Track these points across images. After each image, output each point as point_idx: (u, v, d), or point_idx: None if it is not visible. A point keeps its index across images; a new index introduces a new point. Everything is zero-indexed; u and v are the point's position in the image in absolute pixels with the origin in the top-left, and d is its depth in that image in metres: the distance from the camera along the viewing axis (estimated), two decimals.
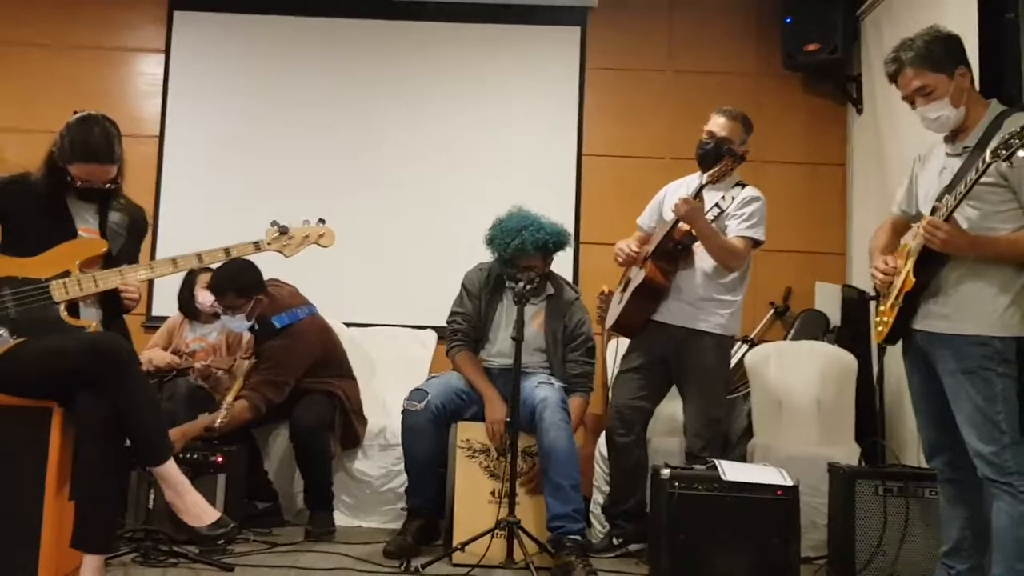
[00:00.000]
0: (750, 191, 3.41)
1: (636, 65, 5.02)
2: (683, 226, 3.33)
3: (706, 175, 3.25)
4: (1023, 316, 2.44)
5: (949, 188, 2.48)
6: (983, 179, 2.39)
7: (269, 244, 2.87)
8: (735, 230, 3.36)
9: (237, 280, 3.55)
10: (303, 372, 3.66)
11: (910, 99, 2.58)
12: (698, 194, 3.29)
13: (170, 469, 2.43)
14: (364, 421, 3.93)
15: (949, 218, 2.42)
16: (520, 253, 3.41)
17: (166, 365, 3.91)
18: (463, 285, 3.62)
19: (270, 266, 3.49)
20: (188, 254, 2.76)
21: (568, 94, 4.98)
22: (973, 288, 2.46)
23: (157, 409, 2.62)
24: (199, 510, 2.42)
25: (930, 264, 2.51)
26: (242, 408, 3.48)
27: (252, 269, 3.62)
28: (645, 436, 3.55)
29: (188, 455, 3.22)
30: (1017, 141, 2.23)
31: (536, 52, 5.02)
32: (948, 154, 2.58)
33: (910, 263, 2.54)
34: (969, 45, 3.02)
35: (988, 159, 2.28)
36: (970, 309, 2.45)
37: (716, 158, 3.35)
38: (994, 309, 2.43)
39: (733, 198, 3.35)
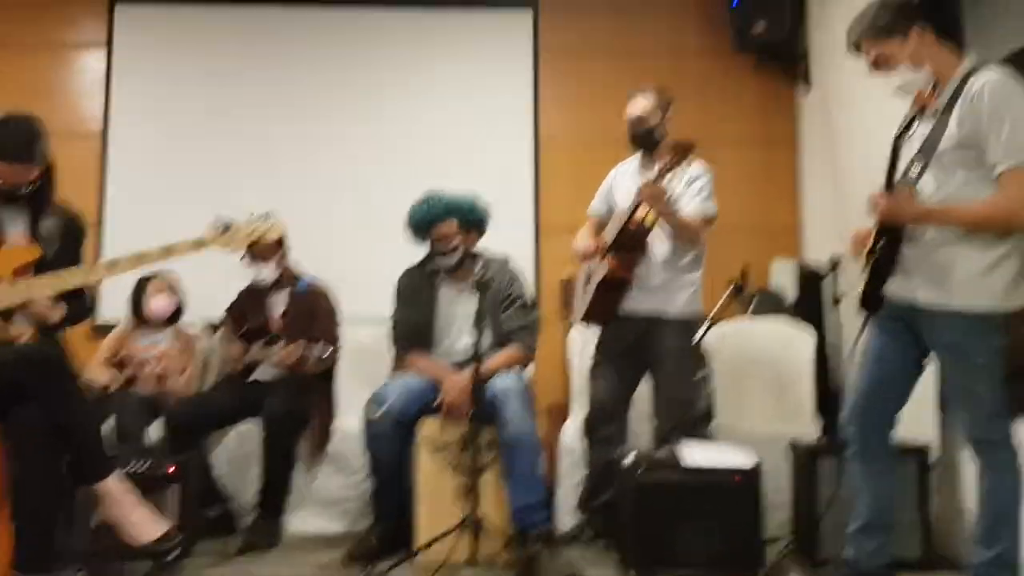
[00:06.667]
0: (696, 167, 3.42)
1: (589, 48, 4.97)
2: (639, 216, 3.32)
3: (657, 168, 3.22)
4: (1005, 288, 2.34)
5: (919, 154, 2.41)
6: (950, 145, 2.35)
7: (213, 241, 2.78)
8: (689, 207, 3.38)
9: None
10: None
11: (876, 69, 2.54)
12: (659, 177, 3.26)
13: (112, 484, 2.34)
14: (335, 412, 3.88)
15: (892, 189, 2.38)
16: (431, 218, 3.42)
17: (108, 382, 3.82)
18: (396, 292, 3.58)
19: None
20: (127, 256, 2.66)
21: (523, 79, 4.93)
22: (949, 257, 2.38)
23: (96, 422, 2.52)
24: (145, 525, 2.33)
25: (888, 234, 2.46)
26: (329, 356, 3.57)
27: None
28: (625, 427, 3.53)
29: (137, 467, 3.09)
30: None
31: (489, 37, 4.96)
32: (918, 119, 2.50)
33: (872, 231, 2.50)
34: None
35: None
36: (945, 280, 2.38)
37: (644, 139, 3.44)
38: (968, 280, 2.36)
39: (680, 178, 3.33)
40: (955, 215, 2.37)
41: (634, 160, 3.59)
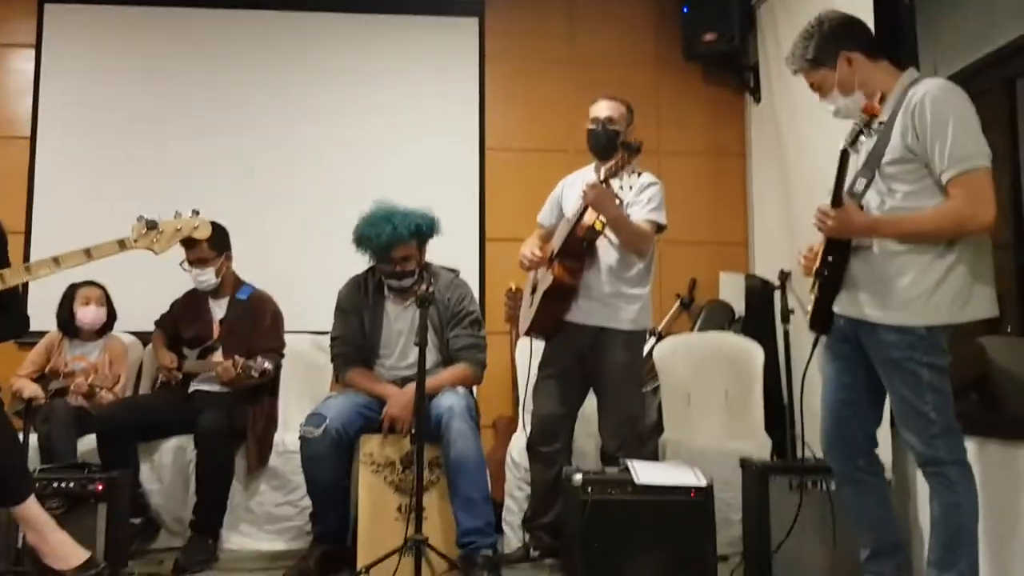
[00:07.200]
0: (647, 177, 3.36)
1: (536, 56, 4.91)
2: (586, 221, 3.24)
3: (603, 170, 3.16)
4: (952, 301, 2.30)
5: (864, 167, 2.39)
6: (893, 158, 2.33)
7: (136, 241, 2.64)
8: (639, 215, 3.31)
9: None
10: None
11: (817, 94, 2.55)
12: (605, 181, 3.20)
13: (31, 508, 2.19)
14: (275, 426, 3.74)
15: (839, 203, 2.33)
16: (395, 241, 3.26)
17: (32, 396, 3.64)
18: (338, 305, 3.45)
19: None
20: (44, 259, 2.51)
21: (469, 86, 4.84)
22: (896, 271, 2.34)
23: (14, 443, 2.37)
24: (66, 551, 2.20)
25: (836, 249, 2.42)
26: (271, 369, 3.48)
27: (224, 229, 3.67)
28: (571, 444, 3.44)
29: (63, 485, 2.92)
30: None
31: (434, 43, 4.86)
32: (865, 133, 2.45)
33: (821, 248, 2.46)
34: None
35: None
36: (890, 295, 2.33)
37: (608, 143, 3.34)
38: (915, 295, 2.31)
39: (631, 187, 3.27)
40: (905, 225, 2.33)
41: (586, 169, 3.51)
